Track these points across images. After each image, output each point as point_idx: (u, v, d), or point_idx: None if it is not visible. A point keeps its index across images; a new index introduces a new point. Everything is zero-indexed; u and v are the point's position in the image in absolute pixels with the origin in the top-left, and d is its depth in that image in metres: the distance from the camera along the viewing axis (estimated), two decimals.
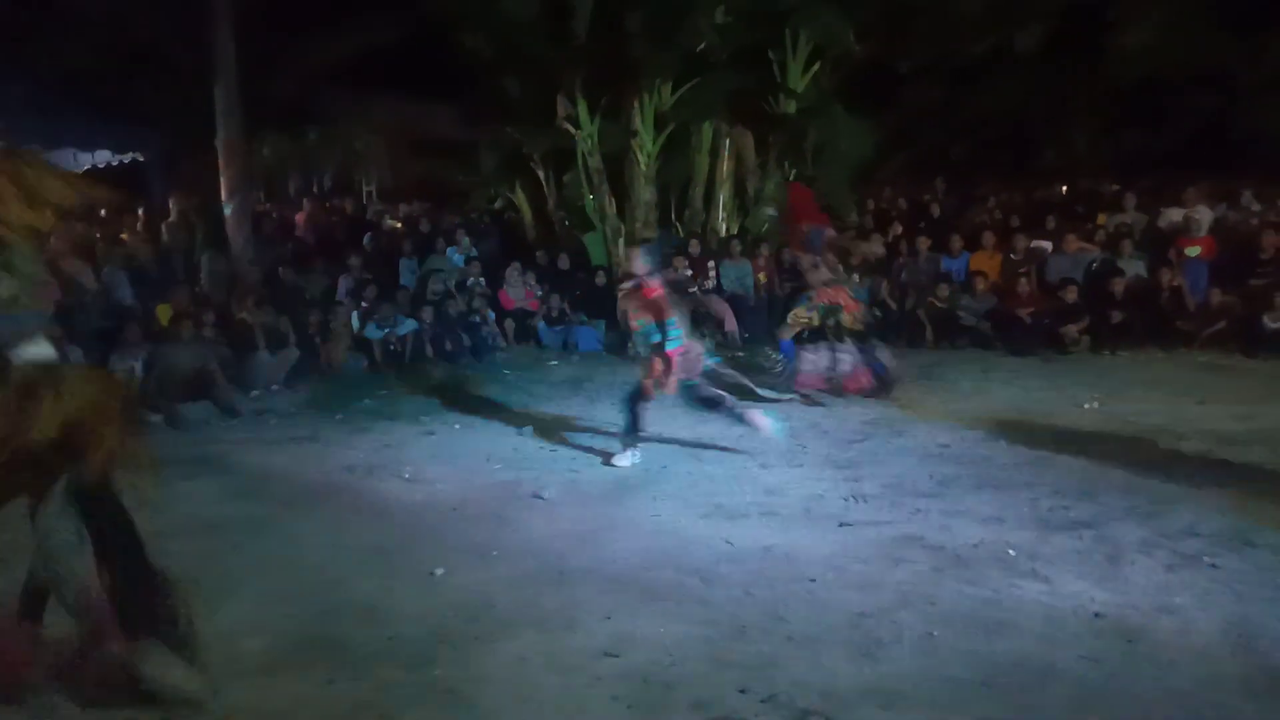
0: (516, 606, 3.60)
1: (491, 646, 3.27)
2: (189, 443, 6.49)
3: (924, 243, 11.07)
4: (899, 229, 12.07)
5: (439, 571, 3.97)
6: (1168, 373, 8.22)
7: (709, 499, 4.94)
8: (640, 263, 5.71)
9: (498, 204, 13.36)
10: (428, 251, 11.60)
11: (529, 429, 6.68)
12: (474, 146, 12.61)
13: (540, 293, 11.07)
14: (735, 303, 10.66)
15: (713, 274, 11.09)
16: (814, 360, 7.32)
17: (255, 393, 8.30)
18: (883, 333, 10.41)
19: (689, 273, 10.58)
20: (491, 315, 10.52)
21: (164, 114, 11.96)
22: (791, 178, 12.11)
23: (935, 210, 12.83)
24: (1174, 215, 10.37)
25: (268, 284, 10.12)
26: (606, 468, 5.63)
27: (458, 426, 6.97)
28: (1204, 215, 9.99)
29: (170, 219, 11.18)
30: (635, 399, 5.70)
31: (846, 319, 7.29)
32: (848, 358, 7.26)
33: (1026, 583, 3.66)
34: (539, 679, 3.02)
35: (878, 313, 10.57)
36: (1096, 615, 3.33)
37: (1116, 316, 9.25)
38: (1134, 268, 9.81)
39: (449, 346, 9.81)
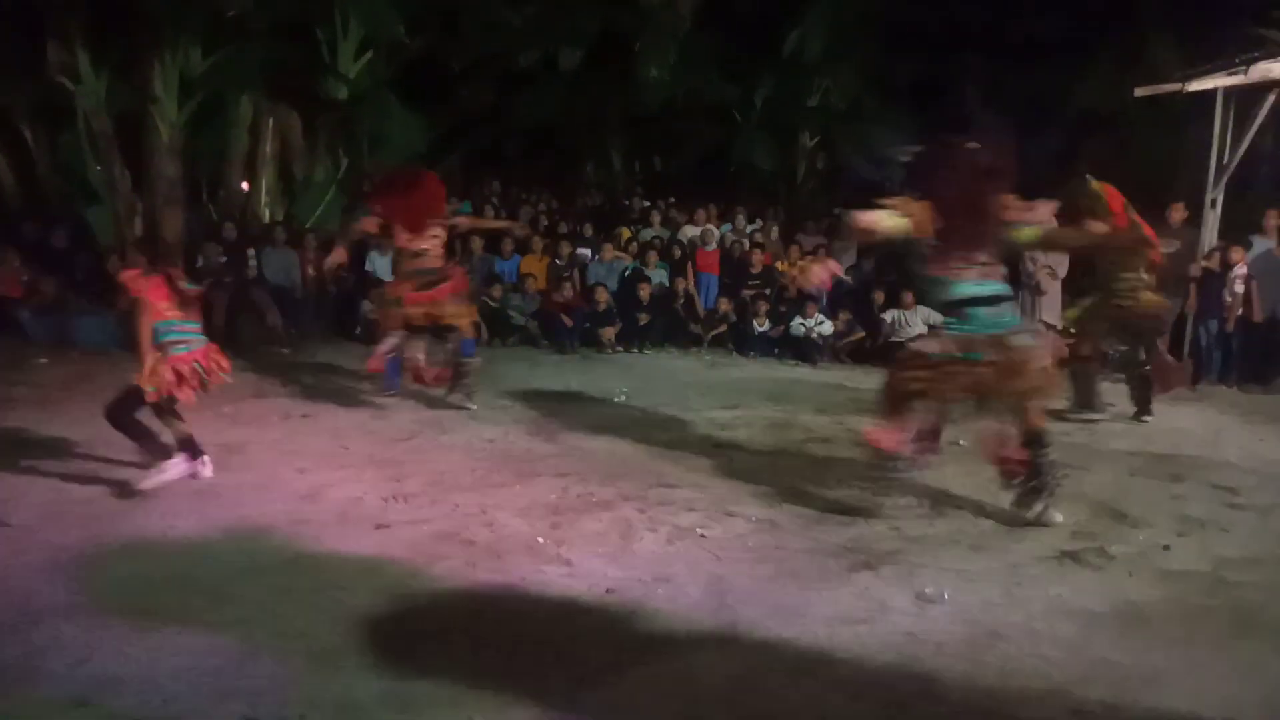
0: None
1: None
2: None
3: (478, 243, 11.33)
4: None
5: None
6: (681, 368, 9.44)
7: (234, 510, 4.47)
8: None
9: None
10: None
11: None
12: None
13: (26, 276, 9.18)
14: (280, 295, 9.94)
15: (253, 262, 10.16)
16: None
17: None
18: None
19: (223, 259, 9.59)
20: None
21: None
22: (344, 166, 11.61)
23: (490, 212, 13.20)
24: (691, 231, 11.93)
25: None
26: (118, 485, 4.79)
27: None
28: (715, 233, 11.66)
29: None
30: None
31: None
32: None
33: (551, 567, 3.87)
34: None
35: None
36: (608, 591, 3.62)
37: (643, 319, 10.42)
38: (658, 276, 11.09)
39: None
